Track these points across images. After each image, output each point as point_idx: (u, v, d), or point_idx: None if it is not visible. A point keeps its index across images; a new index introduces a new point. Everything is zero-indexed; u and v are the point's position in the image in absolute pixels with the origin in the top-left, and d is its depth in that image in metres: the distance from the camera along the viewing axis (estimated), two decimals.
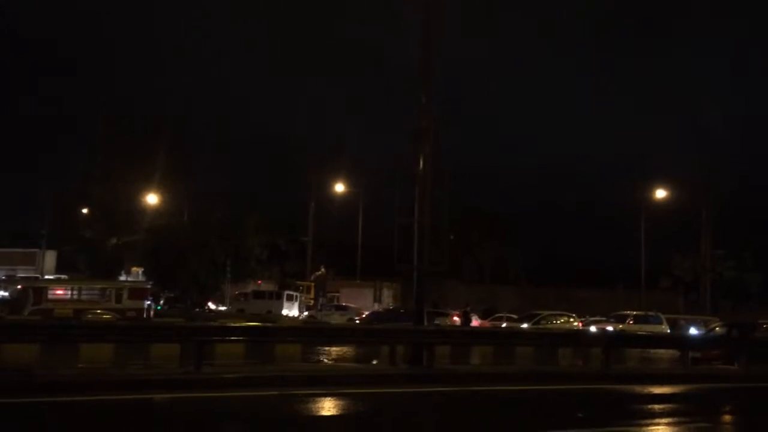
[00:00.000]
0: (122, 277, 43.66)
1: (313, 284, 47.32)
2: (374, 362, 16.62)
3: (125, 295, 26.15)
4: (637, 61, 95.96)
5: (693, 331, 28.64)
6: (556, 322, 31.43)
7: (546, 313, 32.65)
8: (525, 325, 29.80)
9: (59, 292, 26.73)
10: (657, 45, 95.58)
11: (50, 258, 55.19)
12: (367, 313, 36.94)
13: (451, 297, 44.34)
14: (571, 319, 32.09)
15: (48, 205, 49.22)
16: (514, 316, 34.21)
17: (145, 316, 26.07)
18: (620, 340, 20.12)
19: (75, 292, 26.64)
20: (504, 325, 31.51)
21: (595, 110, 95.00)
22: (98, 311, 24.59)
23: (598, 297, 46.52)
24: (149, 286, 31.14)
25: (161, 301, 38.38)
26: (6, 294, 33.49)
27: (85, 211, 46.45)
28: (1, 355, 13.12)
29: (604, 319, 34.08)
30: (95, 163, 44.39)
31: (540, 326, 29.50)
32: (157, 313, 30.50)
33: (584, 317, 33.91)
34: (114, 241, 45.17)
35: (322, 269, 47.94)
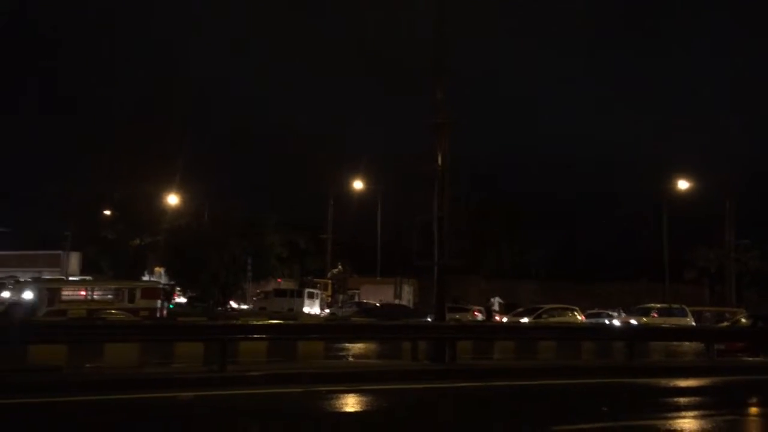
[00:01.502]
0: (145, 277, 44.21)
1: (330, 282, 47.49)
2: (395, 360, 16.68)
3: (138, 294, 26.41)
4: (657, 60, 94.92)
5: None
6: (558, 316, 30.97)
7: (548, 306, 32.26)
8: (525, 319, 29.58)
9: (73, 292, 27.05)
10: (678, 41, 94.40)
11: (74, 259, 55.96)
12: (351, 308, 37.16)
13: (472, 292, 44.29)
14: (575, 313, 31.76)
15: (71, 207, 49.90)
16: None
17: (158, 315, 26.29)
18: (644, 333, 19.95)
19: (89, 293, 26.93)
20: (526, 320, 31.36)
21: (618, 101, 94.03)
22: (112, 311, 24.85)
23: (621, 290, 46.15)
24: (161, 286, 31.39)
25: (174, 300, 38.74)
26: (16, 296, 33.91)
27: (107, 212, 47.07)
28: (29, 354, 13.36)
29: (606, 312, 33.85)
30: (116, 164, 44.95)
31: (541, 320, 29.25)
32: (169, 312, 30.73)
33: (600, 310, 33.69)
34: (136, 241, 45.79)
35: (340, 266, 48.10)
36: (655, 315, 30.81)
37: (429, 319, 31.05)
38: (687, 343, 21.15)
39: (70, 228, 52.37)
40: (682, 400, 12.51)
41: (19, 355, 13.29)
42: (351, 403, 11.06)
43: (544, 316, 30.46)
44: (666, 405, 11.87)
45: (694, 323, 30.00)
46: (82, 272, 52.63)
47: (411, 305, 44.57)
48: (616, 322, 30.69)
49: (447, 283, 17.30)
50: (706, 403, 12.40)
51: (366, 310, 34.11)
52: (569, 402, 11.83)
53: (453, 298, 29.51)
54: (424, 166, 17.50)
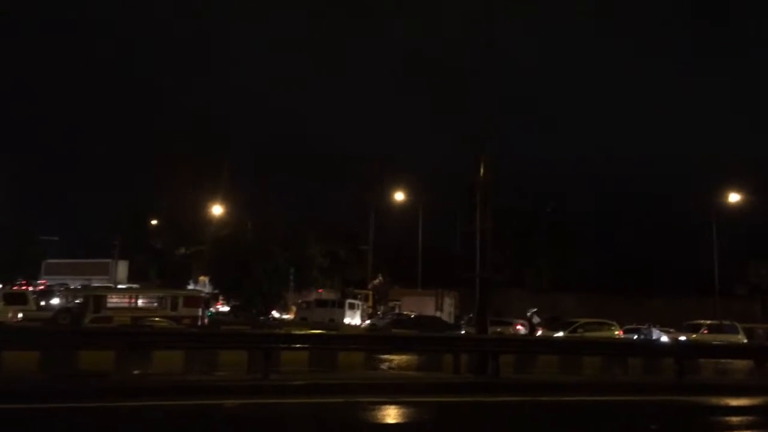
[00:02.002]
0: (190, 286, 44.99)
1: (371, 292, 47.51)
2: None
3: (180, 303, 26.80)
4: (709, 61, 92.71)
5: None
6: (595, 331, 30.02)
7: (583, 320, 31.33)
8: (560, 333, 28.91)
9: (118, 300, 27.58)
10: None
11: (122, 268, 57.36)
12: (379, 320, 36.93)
13: (514, 306, 43.72)
14: (612, 328, 30.85)
15: (120, 217, 51.22)
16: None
17: (199, 323, 26.64)
18: (694, 349, 19.39)
19: (133, 301, 27.46)
20: (560, 334, 30.67)
21: (667, 111, 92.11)
22: (156, 319, 25.22)
23: (670, 305, 44.92)
24: (203, 295, 31.79)
25: (217, 309, 39.25)
26: (65, 302, 34.82)
27: (154, 222, 48.16)
28: (78, 360, 13.71)
29: (643, 326, 32.89)
30: (164, 176, 46.02)
31: (576, 335, 28.47)
32: (208, 320, 31.13)
33: (638, 326, 32.76)
34: (182, 250, 46.67)
35: (380, 277, 48.08)
36: (706, 331, 29.92)
37: (462, 332, 30.90)
38: (738, 361, 20.48)
39: (118, 237, 53.76)
40: (734, 419, 12.11)
41: (69, 361, 13.66)
42: (393, 415, 11.02)
43: (580, 330, 29.64)
44: (716, 424, 11.53)
45: (745, 340, 29.01)
46: (130, 280, 53.90)
47: (452, 317, 44.26)
48: (664, 338, 29.89)
49: (489, 295, 17.17)
50: (758, 422, 11.97)
51: (399, 321, 33.92)
52: (617, 419, 11.57)
53: (495, 311, 29.11)
54: (465, 177, 17.46)
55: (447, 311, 44.99)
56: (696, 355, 18.47)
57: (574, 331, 29.27)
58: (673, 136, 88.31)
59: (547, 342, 19.85)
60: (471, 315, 40.54)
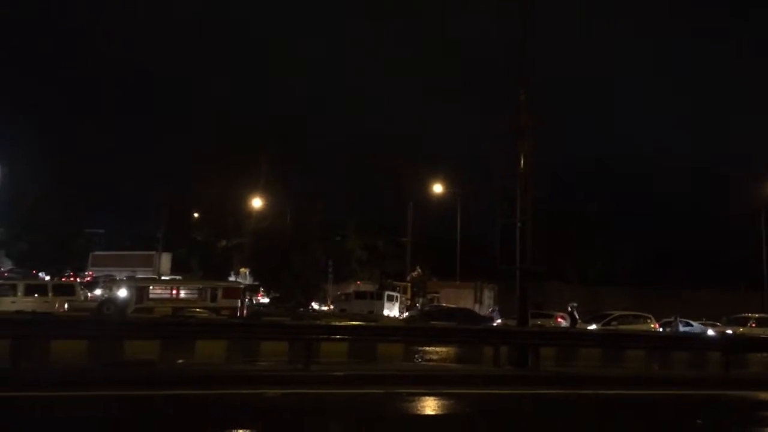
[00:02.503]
0: (231, 278, 45.67)
1: (409, 285, 47.53)
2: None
3: (220, 294, 27.22)
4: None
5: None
6: (630, 324, 29.06)
7: (618, 313, 30.50)
8: (593, 326, 28.30)
9: (159, 291, 28.10)
10: None
11: (166, 260, 58.52)
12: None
13: (554, 298, 43.21)
14: (648, 321, 30.09)
15: (164, 210, 52.22)
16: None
17: (238, 314, 27.00)
18: (741, 343, 18.90)
19: (174, 292, 27.96)
20: (593, 326, 30.16)
21: (704, 104, 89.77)
22: (196, 309, 25.64)
23: (717, 298, 43.81)
24: (242, 286, 32.20)
25: (258, 300, 39.75)
26: (108, 293, 35.61)
27: (196, 215, 48.98)
28: (125, 350, 14.05)
29: (684, 321, 32.04)
30: (204, 169, 46.71)
31: (610, 327, 27.87)
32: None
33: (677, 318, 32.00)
34: (223, 243, 47.39)
35: (418, 270, 48.06)
36: (753, 324, 29.11)
37: (496, 323, 30.55)
38: None
39: (162, 229, 54.85)
40: None
41: (116, 350, 14.02)
42: (433, 406, 11.03)
43: (614, 323, 29.01)
44: (764, 419, 11.21)
45: None
46: (173, 272, 54.94)
47: (491, 310, 44.00)
48: (710, 332, 29.18)
49: (529, 288, 17.01)
50: None
51: (429, 313, 33.78)
52: (660, 413, 11.37)
53: (535, 303, 28.81)
54: (506, 169, 17.29)
55: (486, 303, 44.76)
56: (743, 348, 18.02)
57: (608, 323, 28.74)
58: (720, 127, 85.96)
59: (589, 335, 19.58)
60: (498, 307, 40.33)
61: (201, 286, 28.42)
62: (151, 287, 28.20)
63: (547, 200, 17.35)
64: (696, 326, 33.03)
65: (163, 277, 47.87)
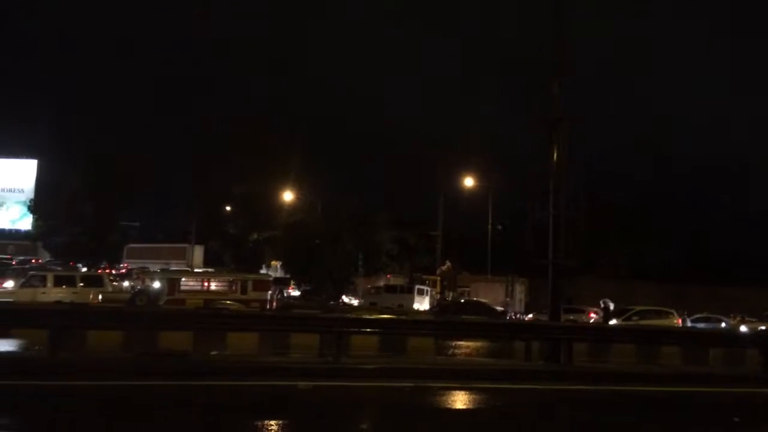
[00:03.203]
0: (262, 270, 46.11)
1: (439, 278, 47.43)
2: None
3: (250, 286, 27.47)
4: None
5: None
6: (651, 319, 28.15)
7: (639, 308, 29.70)
8: (614, 321, 27.79)
9: (190, 283, 28.45)
10: None
11: (199, 252, 59.33)
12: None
13: (586, 293, 42.71)
14: (670, 316, 29.35)
15: (196, 203, 52.85)
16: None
17: (267, 306, 27.23)
18: None
19: (205, 284, 28.31)
20: (613, 321, 29.65)
21: (746, 97, 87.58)
22: (227, 302, 25.92)
23: (752, 294, 42.87)
24: (271, 279, 32.46)
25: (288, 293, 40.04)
26: (141, 285, 36.15)
27: (228, 208, 49.48)
28: (160, 341, 14.29)
29: (715, 317, 31.34)
30: (235, 161, 47.14)
31: (631, 323, 27.31)
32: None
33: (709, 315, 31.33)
34: (254, 236, 47.81)
35: (448, 263, 47.90)
36: None
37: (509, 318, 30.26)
38: None
39: (195, 222, 55.54)
40: None
41: (150, 341, 14.26)
42: (464, 401, 10.99)
43: (635, 318, 28.31)
44: None
45: None
46: (206, 264, 55.66)
47: (523, 305, 43.72)
48: (743, 329, 28.58)
49: (561, 282, 16.84)
50: None
51: (443, 306, 33.65)
52: (696, 410, 11.17)
53: (567, 298, 28.52)
54: (538, 162, 17.12)
55: (518, 298, 44.47)
56: None
57: (629, 318, 28.17)
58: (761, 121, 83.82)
59: (623, 330, 19.30)
60: (508, 299, 39.95)
61: (231, 279, 28.76)
62: (182, 279, 28.61)
63: (581, 193, 17.08)
64: (726, 322, 32.36)
65: (195, 270, 48.56)
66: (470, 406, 10.69)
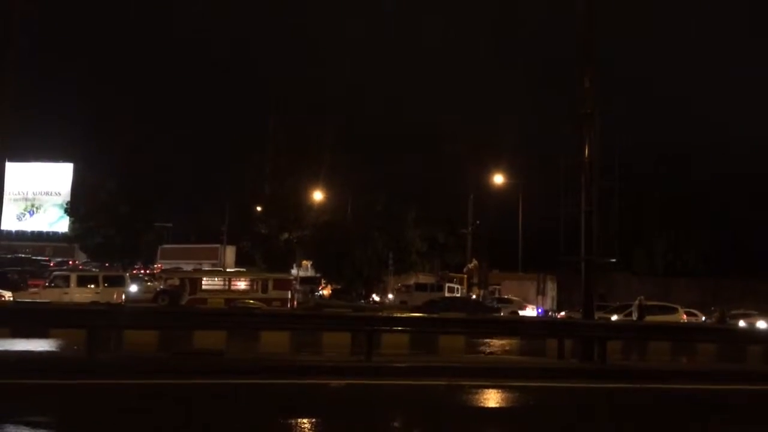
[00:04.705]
0: (293, 270, 46.46)
1: (466, 276, 47.26)
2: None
3: (270, 285, 27.67)
4: None
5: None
6: (657, 315, 27.63)
7: (642, 303, 29.16)
8: (614, 317, 27.26)
9: (212, 283, 28.74)
10: None
11: (230, 253, 60.03)
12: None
13: (621, 290, 42.16)
14: (676, 312, 28.58)
15: (227, 204, 53.48)
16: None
17: (288, 305, 27.42)
18: None
19: (226, 284, 28.58)
20: (615, 317, 29.14)
21: None
22: (249, 301, 26.15)
23: None
24: (292, 278, 32.69)
25: (318, 292, 40.26)
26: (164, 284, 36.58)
27: (259, 208, 49.97)
28: (193, 340, 14.51)
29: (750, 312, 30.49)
30: (266, 162, 47.57)
31: (628, 318, 26.73)
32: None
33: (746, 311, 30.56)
34: (285, 236, 48.20)
35: (475, 261, 47.70)
36: None
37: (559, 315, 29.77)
38: None
39: (226, 223, 56.20)
40: None
41: (185, 340, 14.49)
42: (497, 399, 10.93)
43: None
44: None
45: None
46: (237, 265, 56.29)
47: (554, 302, 43.33)
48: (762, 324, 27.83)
49: (594, 279, 16.66)
50: None
51: (434, 302, 33.51)
52: (733, 409, 10.94)
53: (600, 295, 28.16)
54: (570, 158, 16.95)
55: (549, 295, 44.11)
56: None
57: (629, 315, 27.72)
58: None
59: (657, 327, 18.98)
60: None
61: (252, 278, 29.04)
62: (203, 279, 28.95)
63: (615, 188, 16.89)
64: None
65: (227, 270, 49.10)
66: (504, 405, 10.63)
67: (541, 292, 43.68)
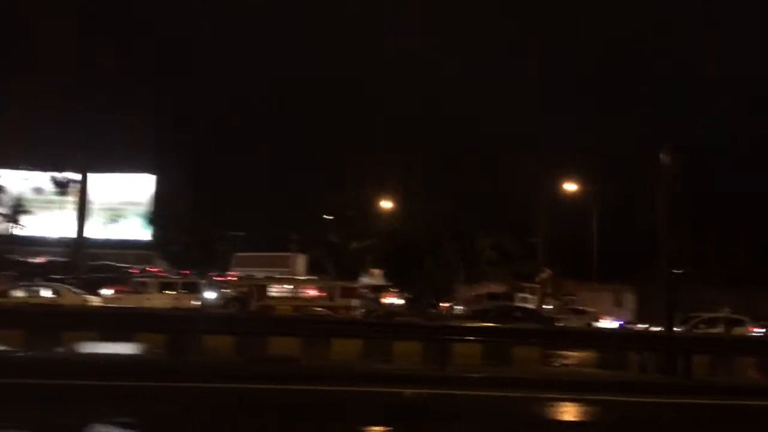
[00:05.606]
0: (363, 279, 46.71)
1: (539, 286, 46.26)
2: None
3: (337, 293, 27.83)
4: None
5: None
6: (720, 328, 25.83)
7: (706, 315, 26.91)
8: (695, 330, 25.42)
9: (279, 290, 29.14)
10: None
11: (301, 261, 60.89)
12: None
13: (702, 302, 40.30)
14: (743, 324, 26.36)
15: (299, 212, 54.40)
16: None
17: (355, 313, 27.51)
18: None
19: (294, 291, 28.94)
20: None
21: None
22: (317, 308, 26.35)
23: None
24: (357, 286, 32.75)
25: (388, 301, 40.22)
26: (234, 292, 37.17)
27: (329, 217, 50.62)
28: (268, 346, 14.74)
29: None
30: (335, 170, 48.18)
31: (699, 331, 24.77)
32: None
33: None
34: (355, 244, 48.59)
35: (548, 271, 46.64)
36: None
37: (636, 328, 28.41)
38: None
39: (297, 231, 57.13)
40: None
41: (260, 346, 14.74)
42: (576, 412, 10.60)
43: (701, 326, 26.03)
44: None
45: None
46: (309, 273, 57.04)
47: (633, 313, 41.89)
48: None
49: (677, 291, 16.02)
50: None
51: (485, 311, 32.58)
52: None
53: (681, 307, 26.91)
54: (646, 165, 16.43)
55: (628, 306, 42.68)
56: None
57: (696, 327, 25.90)
58: None
59: (747, 340, 18.06)
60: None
61: (319, 286, 29.34)
62: (272, 286, 29.41)
63: (693, 193, 16.23)
64: None
65: (298, 277, 49.85)
66: (584, 419, 10.30)
67: (618, 303, 42.28)
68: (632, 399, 12.00)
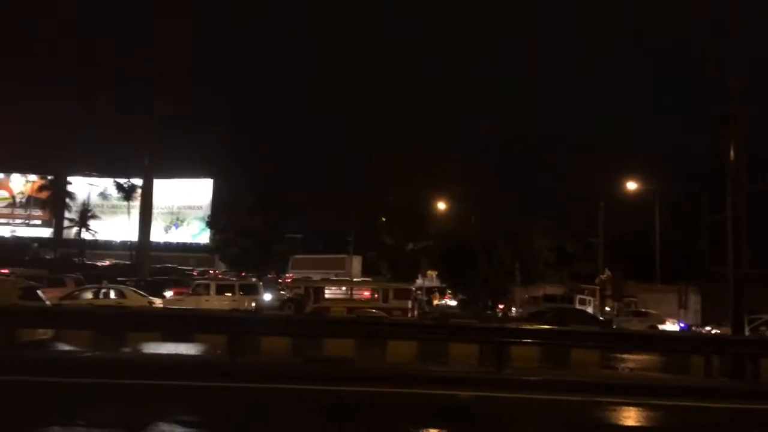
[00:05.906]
0: (418, 280, 46.67)
1: (598, 288, 45.18)
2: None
3: (391, 295, 27.78)
4: None
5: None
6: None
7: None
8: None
9: (334, 292, 29.35)
10: None
11: (357, 262, 61.36)
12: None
13: (761, 303, 38.50)
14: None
15: (354, 214, 54.77)
16: None
17: (408, 315, 27.45)
18: None
19: (348, 292, 29.08)
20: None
21: None
22: (373, 310, 26.39)
23: None
24: (412, 287, 32.66)
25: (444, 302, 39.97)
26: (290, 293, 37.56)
27: (384, 219, 50.75)
28: (322, 347, 14.89)
29: None
30: (393, 173, 48.23)
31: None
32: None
33: None
34: (410, 246, 48.55)
35: (608, 272, 45.48)
36: None
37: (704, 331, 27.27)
38: None
39: (353, 233, 57.56)
40: None
41: (317, 347, 14.92)
42: (638, 418, 10.31)
43: (762, 328, 24.72)
44: None
45: None
46: (364, 274, 57.38)
47: (699, 317, 40.49)
48: None
49: (745, 292, 15.39)
50: None
51: (540, 312, 31.71)
52: None
53: (750, 309, 25.73)
54: (711, 162, 15.86)
55: (692, 309, 41.23)
56: None
57: (756, 329, 24.49)
58: None
59: None
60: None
61: (373, 287, 29.42)
62: (327, 288, 29.70)
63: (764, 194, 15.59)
64: None
65: (354, 279, 50.17)
66: (647, 424, 10.02)
67: (683, 305, 40.86)
68: (698, 404, 11.60)
